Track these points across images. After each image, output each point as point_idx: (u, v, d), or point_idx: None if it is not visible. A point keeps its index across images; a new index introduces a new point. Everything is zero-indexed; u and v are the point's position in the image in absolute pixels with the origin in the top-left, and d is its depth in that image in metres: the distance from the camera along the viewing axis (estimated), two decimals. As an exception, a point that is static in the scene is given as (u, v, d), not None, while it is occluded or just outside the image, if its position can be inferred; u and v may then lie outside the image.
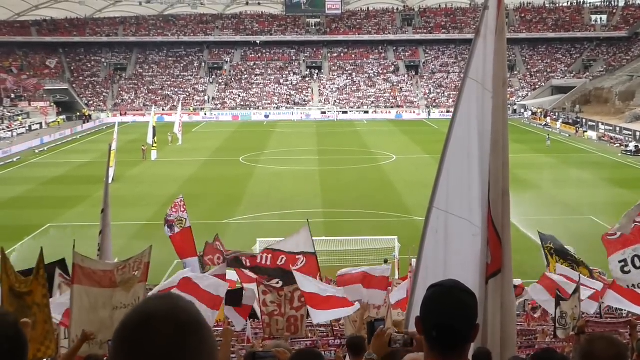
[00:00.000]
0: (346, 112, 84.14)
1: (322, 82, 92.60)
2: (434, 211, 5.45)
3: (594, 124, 64.70)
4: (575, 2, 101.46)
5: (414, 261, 14.62)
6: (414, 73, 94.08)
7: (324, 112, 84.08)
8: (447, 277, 5.27)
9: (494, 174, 5.32)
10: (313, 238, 13.08)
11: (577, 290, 12.24)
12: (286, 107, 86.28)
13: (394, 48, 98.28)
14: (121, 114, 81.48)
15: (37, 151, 56.35)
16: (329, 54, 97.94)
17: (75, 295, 8.35)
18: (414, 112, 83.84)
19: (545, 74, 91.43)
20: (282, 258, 13.51)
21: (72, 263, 8.52)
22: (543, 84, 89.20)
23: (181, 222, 15.50)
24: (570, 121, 69.28)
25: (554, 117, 73.81)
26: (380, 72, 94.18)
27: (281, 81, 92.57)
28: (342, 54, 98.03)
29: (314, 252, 13.77)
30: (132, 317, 1.65)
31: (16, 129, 66.76)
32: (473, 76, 5.41)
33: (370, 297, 11.91)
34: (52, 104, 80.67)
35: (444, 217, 5.44)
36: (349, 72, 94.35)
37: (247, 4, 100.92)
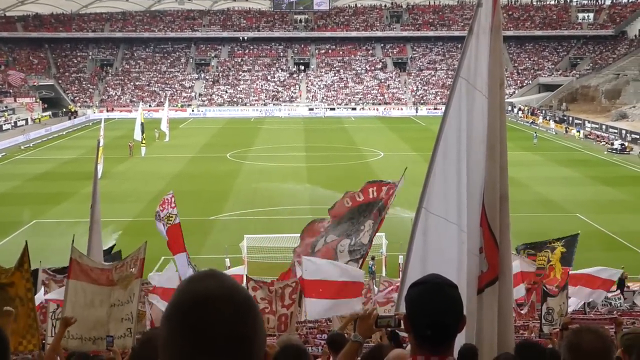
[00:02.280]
0: (334, 109, 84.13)
1: (309, 78, 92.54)
2: (423, 212, 5.35)
3: (580, 121, 65.06)
4: (562, 0, 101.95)
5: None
6: (401, 70, 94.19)
7: (312, 109, 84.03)
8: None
9: (491, 178, 5.15)
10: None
11: (565, 287, 12.35)
12: (273, 104, 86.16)
13: (382, 45, 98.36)
14: (108, 110, 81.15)
15: (22, 147, 55.97)
16: (317, 51, 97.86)
17: (70, 289, 8.30)
18: (401, 109, 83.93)
19: (532, 71, 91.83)
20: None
21: (70, 257, 8.49)
22: (530, 81, 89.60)
23: (170, 219, 15.39)
24: (557, 119, 69.56)
25: (542, 114, 74.10)
26: (368, 68, 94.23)
27: (269, 77, 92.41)
28: (330, 51, 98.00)
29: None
30: (188, 296, 1.61)
31: (1, 124, 66.27)
32: (464, 75, 5.26)
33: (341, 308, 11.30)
34: (38, 100, 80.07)
35: (433, 220, 5.33)
36: (337, 68, 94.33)
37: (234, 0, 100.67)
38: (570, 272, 14.36)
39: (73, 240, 9.13)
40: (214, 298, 1.59)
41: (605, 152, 51.50)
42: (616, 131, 57.68)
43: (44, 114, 77.31)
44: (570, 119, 67.89)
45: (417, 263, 5.37)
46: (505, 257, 5.29)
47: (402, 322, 3.55)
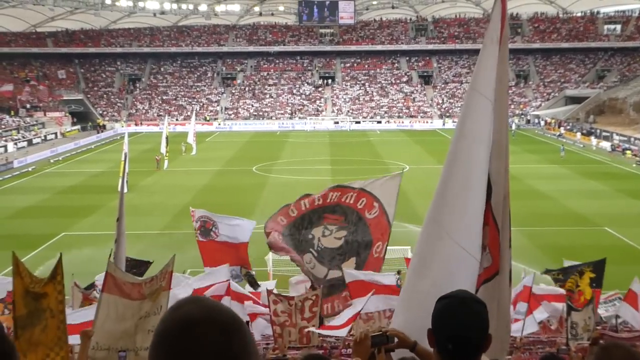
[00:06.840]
0: (359, 122, 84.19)
1: (335, 92, 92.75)
2: (433, 224, 5.24)
3: (608, 134, 64.28)
4: (589, 12, 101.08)
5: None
6: (426, 83, 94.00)
7: (337, 122, 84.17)
8: (435, 289, 5.13)
9: (499, 176, 5.14)
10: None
11: (590, 302, 12.20)
12: (299, 117, 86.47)
13: (407, 58, 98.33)
14: (135, 124, 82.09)
15: (52, 161, 56.77)
16: (342, 64, 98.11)
17: (103, 303, 8.38)
18: (427, 122, 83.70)
19: (558, 84, 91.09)
20: (352, 195, 13.94)
21: (106, 271, 8.59)
22: (556, 94, 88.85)
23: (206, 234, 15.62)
24: (584, 131, 68.79)
25: (568, 127, 73.34)
26: (393, 82, 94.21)
27: (294, 91, 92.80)
28: (355, 64, 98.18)
29: (389, 221, 13.45)
30: (171, 324, 1.62)
31: (31, 138, 67.34)
32: (476, 87, 5.36)
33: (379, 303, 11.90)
34: (67, 114, 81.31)
35: (446, 239, 5.14)
36: (362, 82, 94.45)
37: (261, 14, 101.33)
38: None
39: (110, 254, 9.23)
40: (197, 322, 1.60)
41: (634, 165, 50.84)
42: (645, 144, 56.91)
43: (73, 128, 78.40)
44: (598, 131, 67.13)
45: (411, 274, 5.30)
46: (505, 254, 5.20)
47: (388, 336, 3.56)
